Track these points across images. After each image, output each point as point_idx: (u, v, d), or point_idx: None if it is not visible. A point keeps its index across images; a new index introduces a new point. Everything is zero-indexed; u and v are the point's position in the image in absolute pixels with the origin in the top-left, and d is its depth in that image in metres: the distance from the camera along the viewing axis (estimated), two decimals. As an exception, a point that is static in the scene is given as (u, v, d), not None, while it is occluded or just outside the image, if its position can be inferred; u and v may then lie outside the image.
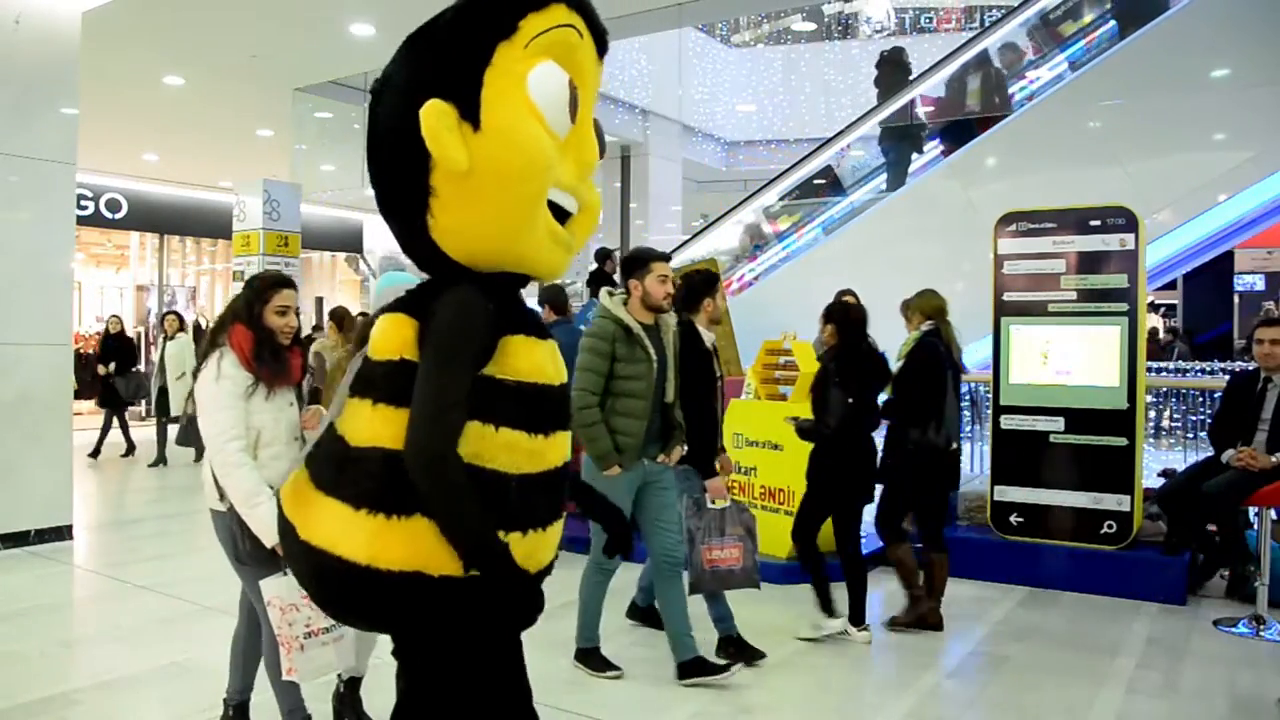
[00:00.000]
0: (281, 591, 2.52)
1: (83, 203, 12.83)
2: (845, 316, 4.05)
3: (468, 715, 1.74)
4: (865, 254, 7.68)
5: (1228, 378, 5.48)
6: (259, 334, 2.68)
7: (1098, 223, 4.99)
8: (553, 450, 1.72)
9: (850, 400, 3.92)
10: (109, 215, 13.98)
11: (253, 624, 2.95)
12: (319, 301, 18.16)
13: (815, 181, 8.93)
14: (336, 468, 1.65)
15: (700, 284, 3.90)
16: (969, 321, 6.78)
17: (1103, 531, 4.89)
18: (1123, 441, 4.87)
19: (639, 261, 3.55)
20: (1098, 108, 6.98)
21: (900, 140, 8.29)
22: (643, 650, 3.96)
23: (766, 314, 7.15)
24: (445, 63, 1.63)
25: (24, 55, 5.90)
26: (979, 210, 6.72)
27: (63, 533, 5.94)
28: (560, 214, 1.74)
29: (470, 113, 1.60)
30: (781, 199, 9.05)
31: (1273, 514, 4.30)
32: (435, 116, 1.57)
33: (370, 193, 1.81)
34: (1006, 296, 5.20)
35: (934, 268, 7.41)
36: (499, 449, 1.63)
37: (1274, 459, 4.29)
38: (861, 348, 4.01)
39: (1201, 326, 13.32)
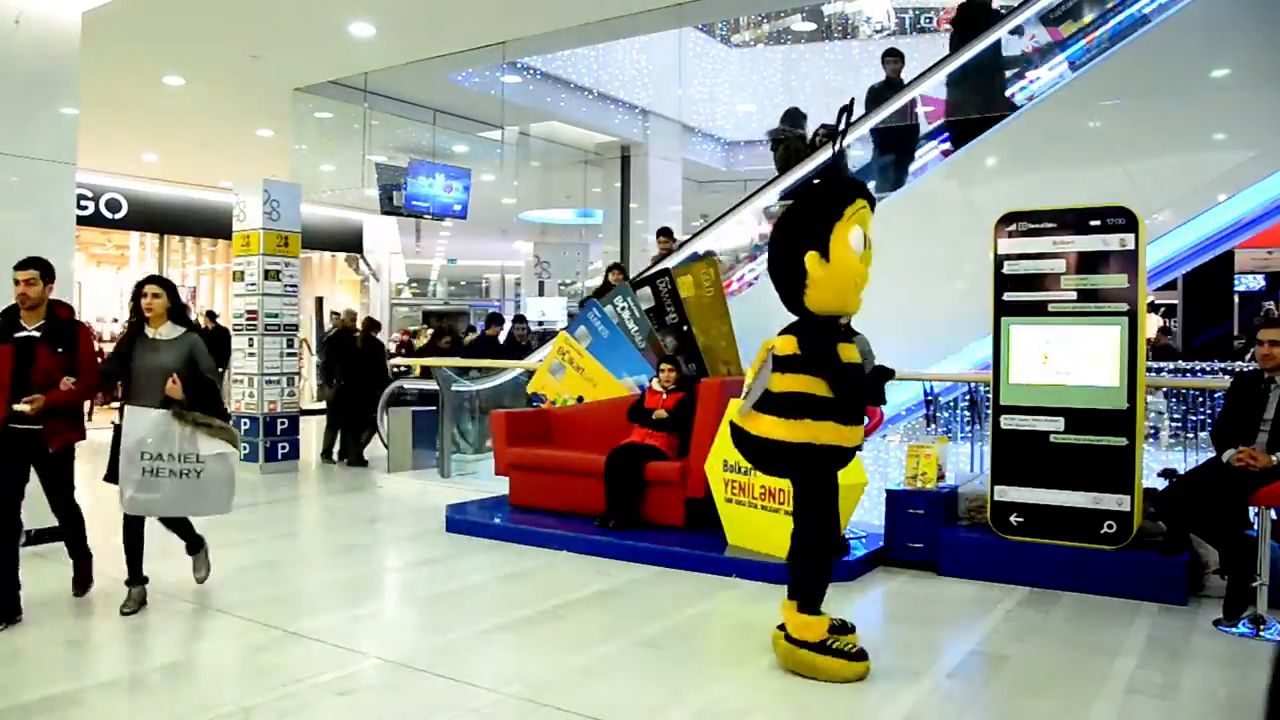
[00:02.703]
0: None
1: (83, 203, 12.84)
2: None
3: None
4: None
5: (1229, 378, 5.47)
6: None
7: (1098, 223, 4.98)
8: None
9: None
10: (109, 215, 13.99)
11: None
12: (319, 301, 18.17)
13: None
14: (772, 403, 3.63)
15: None
16: (969, 321, 6.81)
17: (1103, 531, 4.89)
18: (1123, 441, 4.87)
19: None
20: (1098, 108, 6.98)
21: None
22: (644, 650, 3.96)
23: (766, 314, 7.14)
24: (813, 230, 3.57)
25: (24, 55, 5.90)
26: (979, 210, 6.71)
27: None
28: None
29: (825, 255, 3.53)
30: (783, 198, 9.03)
31: (1272, 514, 4.31)
32: (812, 259, 3.53)
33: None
34: (1006, 296, 5.20)
35: (934, 268, 7.42)
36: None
37: (1274, 458, 4.29)
38: None
39: (1201, 327, 13.30)
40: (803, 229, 3.61)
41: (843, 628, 3.82)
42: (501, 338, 11.30)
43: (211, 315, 13.59)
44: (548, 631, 4.21)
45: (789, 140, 9.00)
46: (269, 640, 4.07)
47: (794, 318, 3.72)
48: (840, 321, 3.91)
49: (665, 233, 9.53)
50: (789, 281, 3.62)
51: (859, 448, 3.82)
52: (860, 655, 3.62)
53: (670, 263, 7.99)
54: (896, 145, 8.28)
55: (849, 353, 3.65)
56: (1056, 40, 7.95)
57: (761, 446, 3.68)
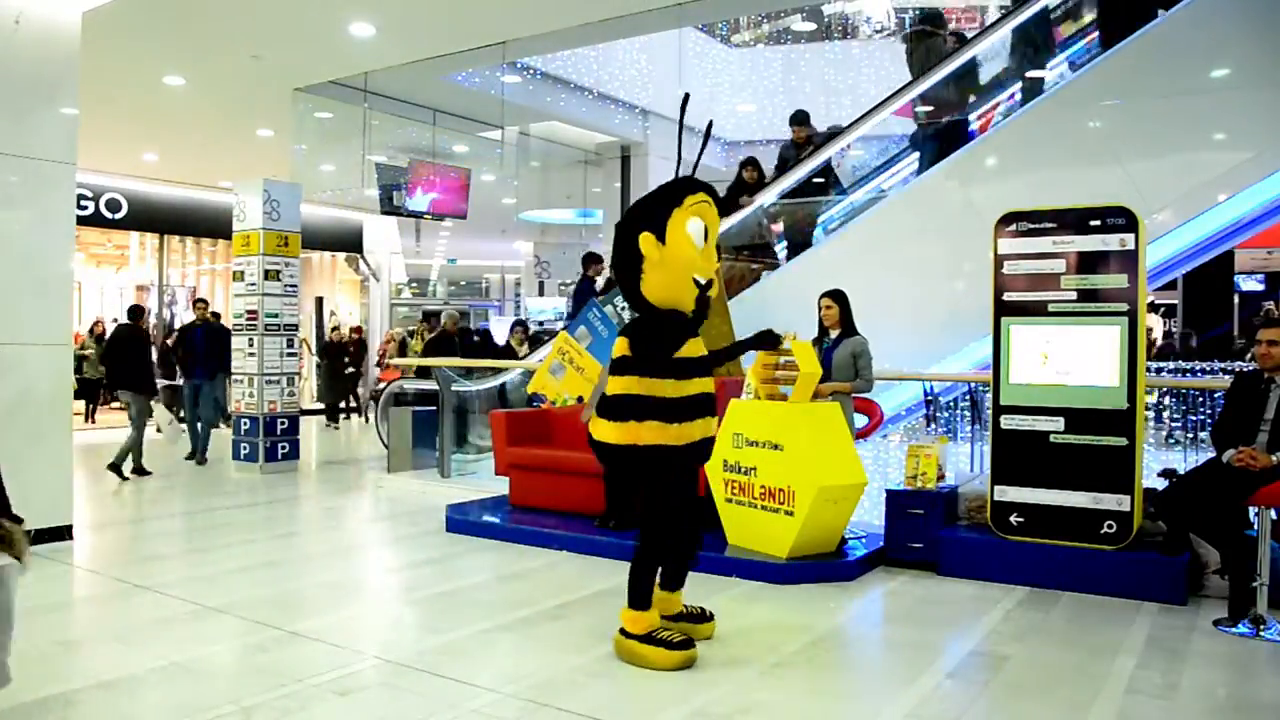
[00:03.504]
0: None
1: (83, 203, 12.84)
2: None
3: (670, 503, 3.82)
4: (865, 254, 7.68)
5: (1229, 378, 5.46)
6: None
7: (1098, 223, 4.98)
8: (692, 387, 3.73)
9: None
10: (109, 215, 13.99)
11: None
12: (319, 301, 18.17)
13: (815, 181, 8.91)
14: (605, 406, 3.74)
15: None
16: (969, 321, 6.81)
17: (1103, 531, 4.89)
18: (1123, 441, 4.88)
19: None
20: (1098, 108, 6.98)
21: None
22: (643, 650, 3.95)
23: (766, 314, 7.15)
24: (650, 215, 3.68)
25: (24, 55, 5.90)
26: (979, 210, 6.71)
27: (62, 533, 5.94)
28: (698, 284, 3.67)
29: (661, 238, 3.62)
30: (783, 197, 9.03)
31: (1272, 514, 4.30)
32: (646, 240, 3.62)
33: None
34: (1006, 296, 5.20)
35: (934, 268, 7.42)
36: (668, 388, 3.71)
37: (1274, 458, 4.29)
38: None
39: (1201, 327, 13.31)
40: (641, 215, 3.73)
41: (700, 615, 4.09)
42: (601, 281, 10.66)
43: (204, 303, 13.02)
44: (548, 631, 4.21)
45: (930, 40, 8.47)
46: (269, 640, 4.07)
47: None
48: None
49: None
50: (627, 270, 3.70)
51: (707, 443, 3.83)
52: (685, 644, 3.74)
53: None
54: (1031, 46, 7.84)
55: (692, 347, 3.73)
56: (1057, 40, 7.85)
57: (598, 450, 3.81)
